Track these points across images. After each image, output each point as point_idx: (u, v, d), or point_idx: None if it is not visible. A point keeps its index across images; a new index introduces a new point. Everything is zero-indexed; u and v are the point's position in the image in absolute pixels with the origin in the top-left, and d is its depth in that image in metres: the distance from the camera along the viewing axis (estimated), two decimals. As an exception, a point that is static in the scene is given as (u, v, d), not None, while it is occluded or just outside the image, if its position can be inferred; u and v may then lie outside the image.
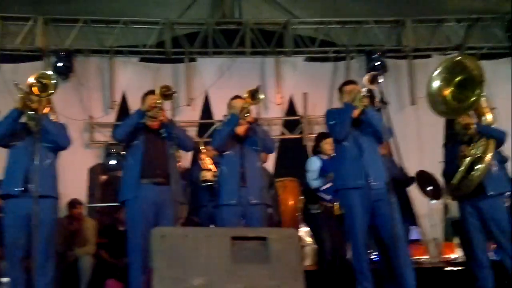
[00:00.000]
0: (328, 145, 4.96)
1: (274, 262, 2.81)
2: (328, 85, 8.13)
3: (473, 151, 4.13)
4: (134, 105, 7.52)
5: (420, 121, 7.88)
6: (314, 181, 4.96)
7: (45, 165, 3.72)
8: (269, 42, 8.26)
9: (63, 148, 3.92)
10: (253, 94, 4.15)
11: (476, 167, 4.08)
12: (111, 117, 7.95)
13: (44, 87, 3.56)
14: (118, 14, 8.03)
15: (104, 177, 7.09)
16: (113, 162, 7.44)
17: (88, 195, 6.89)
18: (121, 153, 7.24)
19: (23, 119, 3.76)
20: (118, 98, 7.98)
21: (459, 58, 4.32)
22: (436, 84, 4.08)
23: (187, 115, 7.97)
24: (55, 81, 3.59)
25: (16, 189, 3.62)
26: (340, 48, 8.34)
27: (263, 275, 2.76)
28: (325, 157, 5.00)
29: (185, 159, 6.42)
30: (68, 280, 5.11)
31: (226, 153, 4.25)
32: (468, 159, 4.12)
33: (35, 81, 3.54)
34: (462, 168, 4.13)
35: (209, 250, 2.77)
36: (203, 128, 7.99)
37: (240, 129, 4.29)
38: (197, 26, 8.36)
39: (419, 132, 7.88)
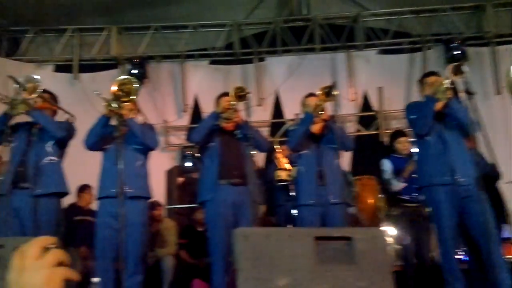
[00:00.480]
0: (401, 144, 4.82)
1: (360, 262, 2.69)
2: (404, 78, 7.83)
3: None
4: (206, 107, 7.69)
5: (506, 111, 7.38)
6: (390, 183, 4.79)
7: (136, 167, 3.83)
8: (339, 37, 8.09)
9: (151, 149, 4.01)
10: (328, 91, 4.04)
11: None
12: (185, 120, 8.13)
13: (127, 93, 3.66)
14: (187, 19, 8.19)
15: (181, 179, 7.23)
16: (188, 164, 7.58)
17: (166, 197, 7.05)
18: (196, 155, 7.39)
19: (112, 123, 3.89)
20: (190, 102, 8.15)
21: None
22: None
23: (259, 115, 7.98)
24: (137, 85, 3.70)
25: (110, 191, 3.71)
26: (415, 39, 8.00)
27: (350, 276, 2.66)
28: (398, 156, 4.81)
29: (259, 159, 6.41)
30: (151, 281, 5.22)
31: (302, 152, 4.17)
32: None
33: (117, 87, 3.65)
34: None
35: (293, 250, 2.70)
36: (274, 128, 7.95)
37: (316, 128, 4.20)
38: (265, 25, 8.35)
39: (506, 123, 7.39)
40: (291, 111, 7.58)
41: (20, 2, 7.37)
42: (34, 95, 3.75)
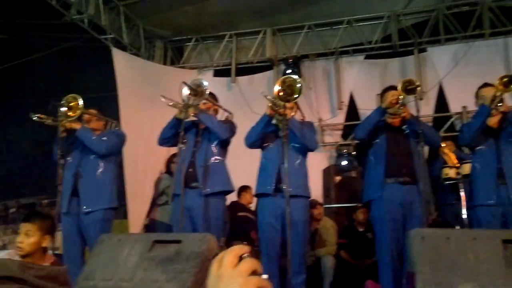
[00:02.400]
0: None
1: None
2: None
3: None
4: (362, 104, 7.51)
5: None
6: None
7: (295, 166, 3.85)
8: (512, 19, 7.28)
9: (310, 149, 4.00)
10: (508, 81, 3.63)
11: None
12: (340, 118, 8.03)
13: (290, 92, 3.68)
14: (341, 15, 8.06)
15: (338, 178, 7.15)
16: (345, 162, 7.48)
17: (324, 196, 7.02)
18: (352, 153, 7.26)
19: (274, 122, 3.96)
20: (345, 99, 8.00)
21: None
22: None
23: (421, 110, 7.51)
24: (300, 85, 3.68)
25: (268, 188, 3.81)
26: None
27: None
28: None
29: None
30: (311, 280, 5.21)
31: (478, 148, 3.82)
32: None
33: (281, 87, 3.69)
34: None
35: (477, 254, 2.47)
36: (438, 122, 7.45)
37: (493, 121, 3.82)
38: (426, 13, 7.87)
39: None
40: (458, 103, 7.06)
41: (181, 14, 7.91)
42: (202, 99, 3.96)
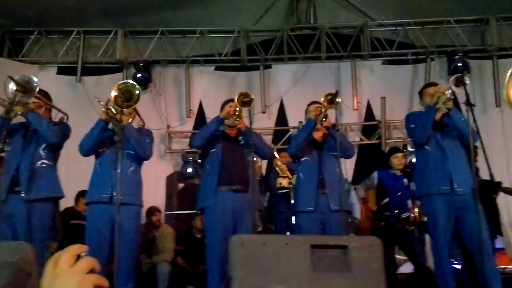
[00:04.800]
0: (396, 159, 4.89)
1: (355, 271, 2.68)
2: (408, 89, 7.87)
3: None
4: (211, 113, 7.68)
5: (505, 124, 7.39)
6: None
7: (129, 173, 3.75)
8: (345, 46, 8.11)
9: (144, 158, 3.92)
10: (331, 98, 4.06)
11: None
12: (188, 126, 8.14)
13: (127, 98, 3.61)
14: (194, 24, 8.20)
15: (181, 185, 7.23)
16: (190, 170, 7.61)
17: (166, 202, 7.04)
18: (198, 161, 7.40)
19: (110, 127, 3.83)
20: (194, 107, 8.15)
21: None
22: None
23: (262, 123, 7.97)
24: (138, 91, 3.64)
25: (102, 196, 3.66)
26: (420, 50, 8.02)
27: (344, 284, 2.64)
28: (393, 172, 4.89)
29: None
30: (145, 287, 5.17)
31: (303, 159, 4.17)
32: None
33: (118, 92, 3.59)
34: None
35: (289, 258, 2.69)
36: (278, 135, 7.97)
37: (318, 135, 4.22)
38: (272, 33, 8.38)
39: (505, 135, 7.38)
40: (295, 118, 7.59)
41: (24, 2, 7.33)
42: (30, 96, 3.67)
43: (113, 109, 3.66)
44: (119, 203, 3.29)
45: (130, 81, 3.88)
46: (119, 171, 3.36)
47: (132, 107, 3.76)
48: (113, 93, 3.61)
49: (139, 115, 4.15)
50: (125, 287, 3.57)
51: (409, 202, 4.88)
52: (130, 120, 3.90)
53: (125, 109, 3.62)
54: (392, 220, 4.67)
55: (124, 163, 3.55)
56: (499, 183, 5.38)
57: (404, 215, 4.72)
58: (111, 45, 8.28)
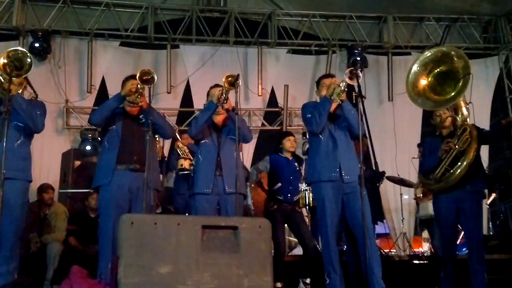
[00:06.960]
0: (289, 142, 5.03)
1: (243, 251, 2.77)
2: (310, 78, 8.16)
3: (457, 145, 4.02)
4: (113, 90, 7.42)
5: (397, 117, 7.97)
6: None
7: (15, 146, 3.56)
8: (253, 32, 8.22)
9: (33, 131, 3.74)
10: (231, 81, 4.08)
11: (460, 162, 3.97)
12: (89, 102, 7.84)
13: (18, 67, 3.43)
14: (100, -4, 7.84)
15: (78, 163, 6.94)
16: (88, 147, 7.35)
17: (61, 180, 6.75)
18: (98, 138, 7.16)
19: None
20: (96, 83, 7.86)
21: (448, 49, 4.27)
22: (415, 73, 4.07)
23: (168, 103, 7.90)
24: (30, 60, 3.46)
25: None
26: (323, 42, 8.34)
27: (232, 264, 2.73)
28: (285, 156, 5.03)
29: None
30: (33, 267, 4.94)
31: (202, 141, 4.19)
32: (452, 152, 4.00)
33: (7, 60, 3.41)
34: (445, 161, 4.03)
35: (179, 238, 2.71)
36: (183, 116, 7.93)
37: (218, 118, 4.25)
38: (181, 12, 8.28)
39: (396, 127, 7.95)
40: (201, 100, 7.44)
41: None
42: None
43: (1, 78, 3.45)
44: (3, 177, 3.13)
45: (21, 48, 3.66)
46: (4, 144, 3.19)
47: (23, 77, 3.57)
48: (2, 60, 3.41)
49: (31, 86, 3.91)
50: (6, 266, 3.41)
51: (300, 185, 5.10)
52: (20, 91, 3.70)
53: (14, 78, 3.44)
54: (284, 204, 4.85)
55: (10, 135, 3.38)
56: (383, 172, 5.83)
57: (296, 197, 4.92)
58: (8, 11, 7.70)
